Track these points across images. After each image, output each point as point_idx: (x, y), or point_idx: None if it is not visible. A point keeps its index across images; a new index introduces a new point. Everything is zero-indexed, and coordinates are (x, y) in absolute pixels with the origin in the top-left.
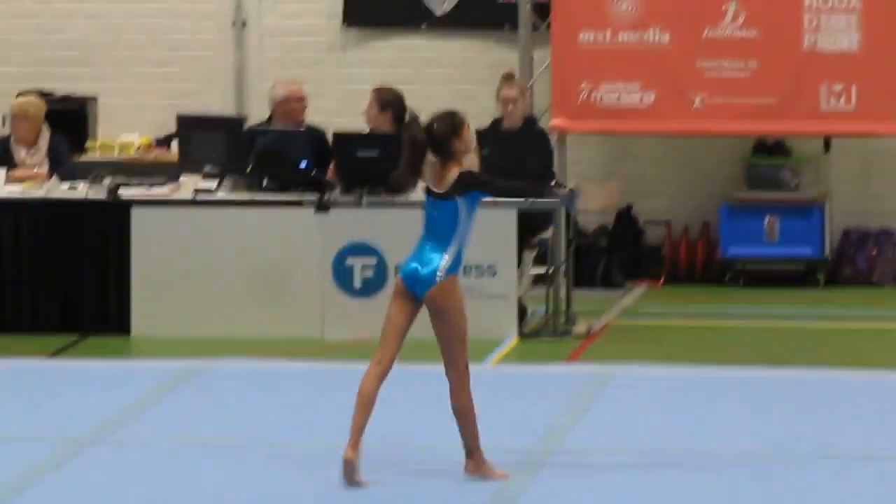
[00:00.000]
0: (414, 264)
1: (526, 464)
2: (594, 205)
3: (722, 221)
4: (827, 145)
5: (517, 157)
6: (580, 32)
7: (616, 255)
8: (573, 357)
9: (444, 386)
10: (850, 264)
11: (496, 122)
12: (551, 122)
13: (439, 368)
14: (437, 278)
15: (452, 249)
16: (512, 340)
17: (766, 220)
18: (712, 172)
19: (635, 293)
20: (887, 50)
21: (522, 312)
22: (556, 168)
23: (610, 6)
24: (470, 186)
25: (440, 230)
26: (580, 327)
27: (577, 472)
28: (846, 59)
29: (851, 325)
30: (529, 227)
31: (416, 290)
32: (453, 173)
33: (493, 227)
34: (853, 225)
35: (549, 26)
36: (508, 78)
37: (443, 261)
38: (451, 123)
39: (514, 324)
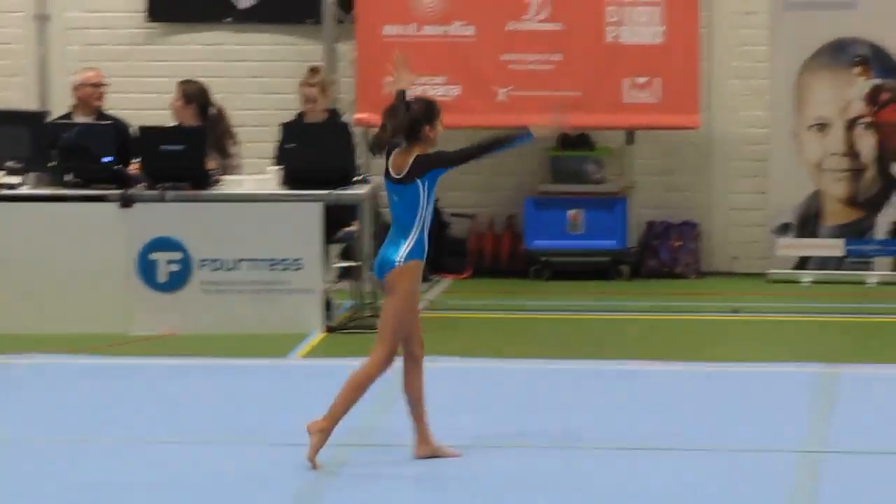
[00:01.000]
0: (381, 253)
1: (335, 456)
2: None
3: (527, 214)
4: (630, 138)
5: (321, 151)
6: (384, 26)
7: None
8: None
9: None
10: (653, 256)
11: (300, 116)
12: (356, 116)
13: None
14: (397, 263)
15: (414, 234)
16: (318, 334)
17: (571, 212)
18: (517, 165)
19: (441, 286)
20: (689, 43)
21: (328, 306)
22: (360, 162)
23: (414, 0)
24: (430, 166)
25: (402, 216)
26: None
27: (386, 462)
28: (649, 53)
29: (655, 316)
30: (335, 220)
31: (380, 277)
32: (411, 158)
33: (298, 221)
34: (656, 217)
35: (354, 20)
36: (310, 72)
37: (403, 246)
38: (430, 109)
39: (319, 318)
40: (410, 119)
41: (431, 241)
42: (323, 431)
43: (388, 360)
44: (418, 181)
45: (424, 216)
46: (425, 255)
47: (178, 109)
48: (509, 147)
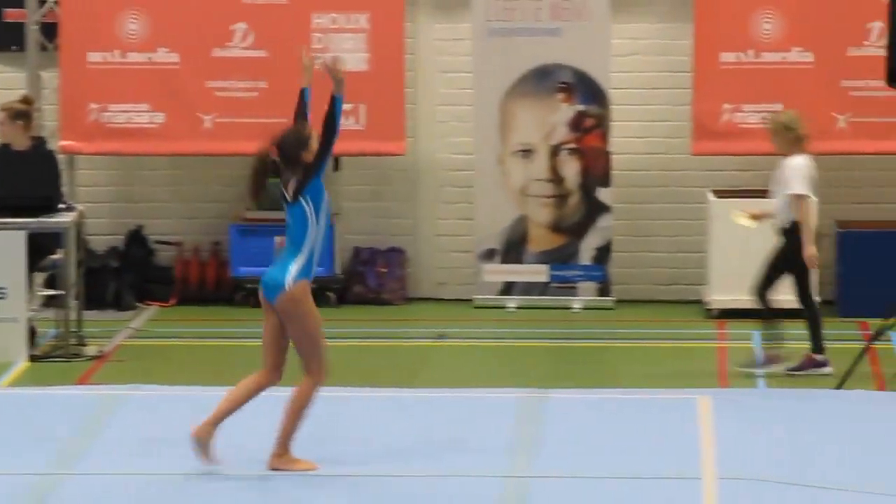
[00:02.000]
0: (269, 273)
1: (34, 489)
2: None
3: (232, 241)
4: (336, 164)
5: (28, 179)
6: (89, 53)
7: (127, 276)
8: (84, 379)
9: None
10: (360, 282)
11: (6, 145)
12: (60, 144)
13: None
14: (286, 287)
15: (303, 256)
16: (22, 363)
17: (277, 239)
18: (223, 192)
19: (147, 314)
20: (394, 70)
21: (32, 335)
22: (66, 189)
23: (118, 27)
24: (305, 182)
25: (293, 236)
26: (91, 349)
27: (89, 498)
28: (354, 79)
29: (362, 342)
30: (39, 248)
31: (269, 298)
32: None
33: (1, 249)
34: (363, 243)
35: (57, 47)
36: (9, 106)
37: (292, 266)
38: (299, 138)
39: (24, 346)
40: (287, 156)
41: (137, 270)
42: (281, 457)
43: (322, 378)
44: (301, 200)
45: (315, 236)
46: (312, 276)
47: None
48: (339, 113)
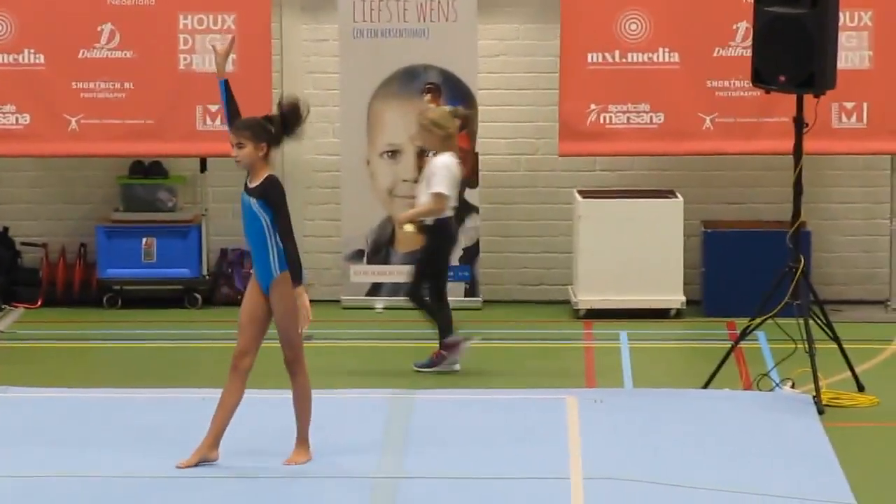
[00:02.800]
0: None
1: None
2: None
3: (99, 243)
4: (203, 165)
5: None
6: None
7: None
8: None
9: None
10: (227, 284)
11: None
12: None
13: None
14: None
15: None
16: None
17: (144, 240)
18: (89, 193)
19: (12, 316)
20: (261, 71)
21: None
22: None
23: None
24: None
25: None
26: None
27: None
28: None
29: (229, 344)
30: None
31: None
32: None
33: None
34: (230, 244)
35: None
36: None
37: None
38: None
39: None
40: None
41: (2, 271)
42: (302, 454)
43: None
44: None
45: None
46: None
47: None
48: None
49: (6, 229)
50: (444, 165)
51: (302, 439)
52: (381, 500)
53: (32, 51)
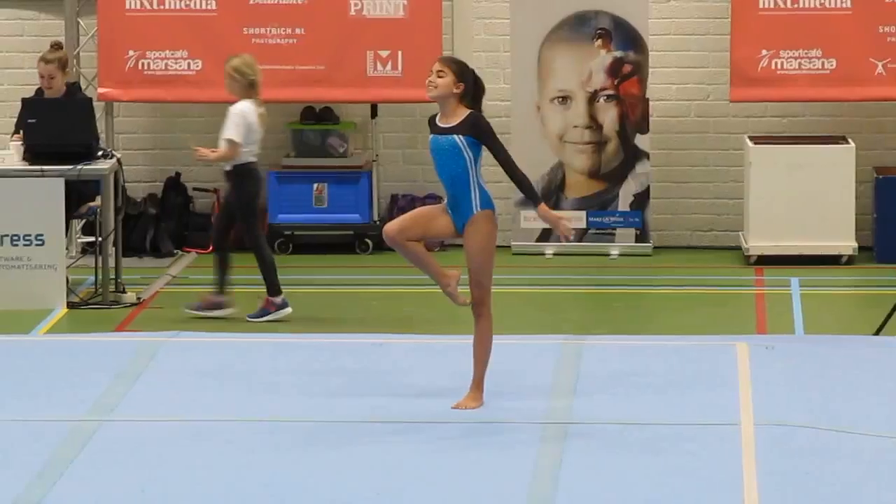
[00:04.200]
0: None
1: (73, 435)
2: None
3: (270, 188)
4: (374, 111)
5: (62, 126)
6: (127, 1)
7: (165, 223)
8: (123, 326)
9: None
10: None
11: (40, 91)
12: (98, 91)
13: None
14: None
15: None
16: (61, 310)
17: (315, 186)
18: (262, 140)
19: (185, 261)
20: (432, 16)
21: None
22: (103, 136)
23: None
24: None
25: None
26: (129, 296)
27: (128, 443)
28: (392, 26)
29: (399, 289)
30: (77, 195)
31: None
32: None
33: (39, 196)
34: (400, 191)
35: None
36: (49, 49)
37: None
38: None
39: (62, 294)
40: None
41: (175, 217)
42: (474, 399)
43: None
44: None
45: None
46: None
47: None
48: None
49: (178, 175)
50: (239, 112)
51: (476, 383)
52: (551, 446)
53: None
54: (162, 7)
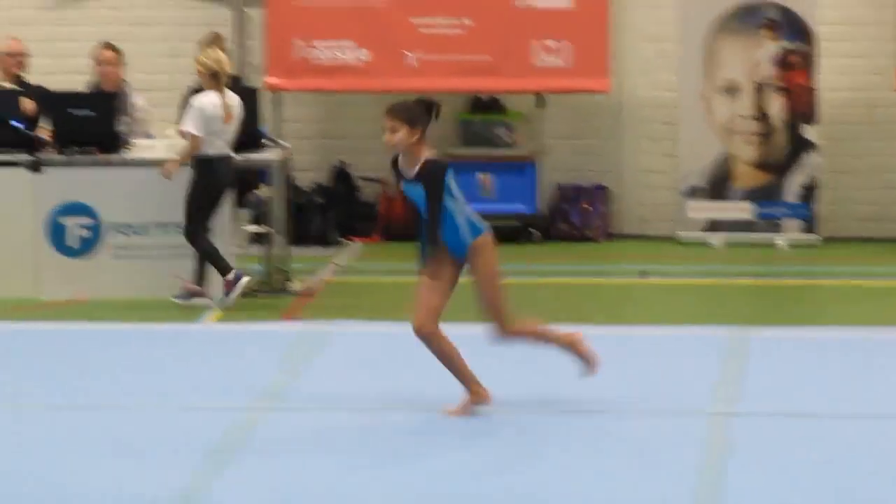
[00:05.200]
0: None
1: (241, 423)
2: None
3: None
4: (541, 102)
5: None
6: None
7: (332, 212)
8: (290, 315)
9: None
10: (563, 220)
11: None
12: (266, 81)
13: None
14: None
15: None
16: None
17: (481, 176)
18: (428, 130)
19: (351, 250)
20: (598, 6)
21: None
22: (270, 126)
23: None
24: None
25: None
26: (297, 285)
27: (295, 431)
28: (559, 16)
29: (566, 279)
30: (244, 184)
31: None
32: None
33: None
34: (567, 181)
35: None
36: (210, 38)
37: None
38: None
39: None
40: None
41: (341, 206)
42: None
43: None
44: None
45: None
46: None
47: (108, 72)
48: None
49: (345, 164)
50: (197, 105)
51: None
52: (716, 437)
53: None
54: None
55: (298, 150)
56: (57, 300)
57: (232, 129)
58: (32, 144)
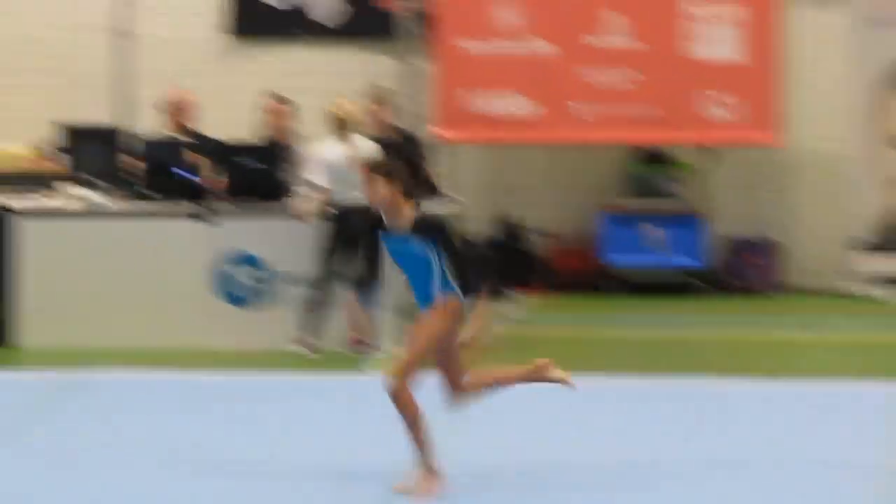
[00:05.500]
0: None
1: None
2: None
3: (603, 229)
4: (710, 155)
5: None
6: (463, 41)
7: (502, 264)
8: None
9: None
10: (732, 273)
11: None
12: (433, 131)
13: None
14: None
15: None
16: (387, 350)
17: (648, 228)
18: (595, 181)
19: (520, 302)
20: (768, 60)
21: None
22: (436, 177)
23: (493, 16)
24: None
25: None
26: (464, 336)
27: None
28: (729, 69)
29: (734, 333)
30: None
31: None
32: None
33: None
34: (736, 233)
35: (429, 35)
36: (373, 95)
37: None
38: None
39: (393, 332)
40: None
41: (511, 258)
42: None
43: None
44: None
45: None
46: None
47: (277, 123)
48: None
49: (514, 216)
50: (317, 154)
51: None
52: (885, 495)
53: (540, 38)
54: (499, 49)
55: (467, 202)
56: (224, 350)
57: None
58: (199, 194)
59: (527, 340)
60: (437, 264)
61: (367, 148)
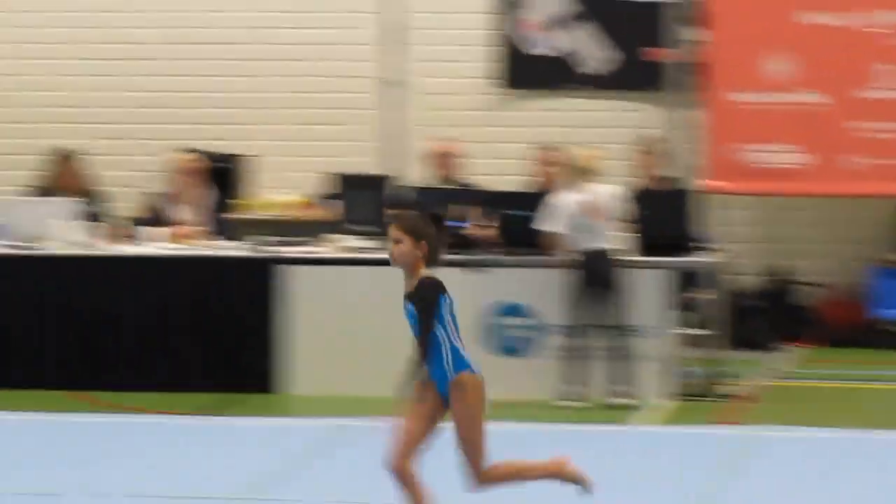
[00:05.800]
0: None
1: None
2: None
3: (873, 283)
4: None
5: (664, 218)
6: (733, 93)
7: (771, 316)
8: (726, 419)
9: None
10: None
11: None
12: (704, 183)
13: None
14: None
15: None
16: (663, 401)
17: None
18: (864, 233)
19: (790, 354)
20: None
21: (676, 374)
22: (702, 229)
23: (762, 67)
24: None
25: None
26: (734, 389)
27: None
28: None
29: None
30: (684, 287)
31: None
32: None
33: (649, 288)
34: None
35: (699, 86)
36: (641, 145)
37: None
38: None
39: (665, 385)
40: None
41: (781, 310)
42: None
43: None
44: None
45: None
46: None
47: (547, 172)
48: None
49: (785, 267)
50: (552, 203)
51: None
52: None
53: (811, 89)
54: (768, 100)
55: (739, 253)
56: (491, 400)
57: (604, 225)
58: (469, 244)
59: (794, 392)
60: (445, 337)
61: (607, 194)
